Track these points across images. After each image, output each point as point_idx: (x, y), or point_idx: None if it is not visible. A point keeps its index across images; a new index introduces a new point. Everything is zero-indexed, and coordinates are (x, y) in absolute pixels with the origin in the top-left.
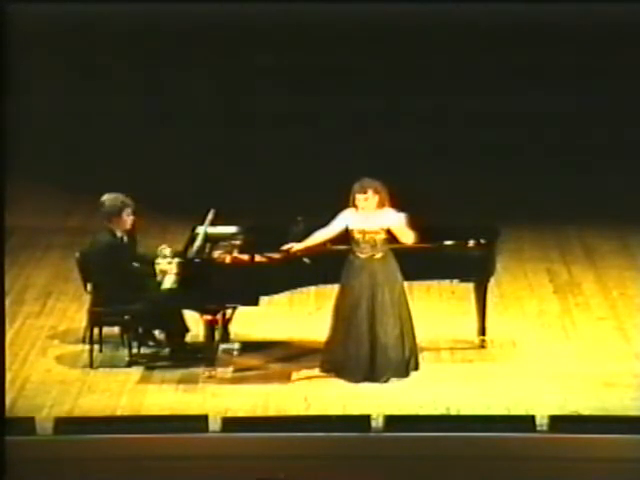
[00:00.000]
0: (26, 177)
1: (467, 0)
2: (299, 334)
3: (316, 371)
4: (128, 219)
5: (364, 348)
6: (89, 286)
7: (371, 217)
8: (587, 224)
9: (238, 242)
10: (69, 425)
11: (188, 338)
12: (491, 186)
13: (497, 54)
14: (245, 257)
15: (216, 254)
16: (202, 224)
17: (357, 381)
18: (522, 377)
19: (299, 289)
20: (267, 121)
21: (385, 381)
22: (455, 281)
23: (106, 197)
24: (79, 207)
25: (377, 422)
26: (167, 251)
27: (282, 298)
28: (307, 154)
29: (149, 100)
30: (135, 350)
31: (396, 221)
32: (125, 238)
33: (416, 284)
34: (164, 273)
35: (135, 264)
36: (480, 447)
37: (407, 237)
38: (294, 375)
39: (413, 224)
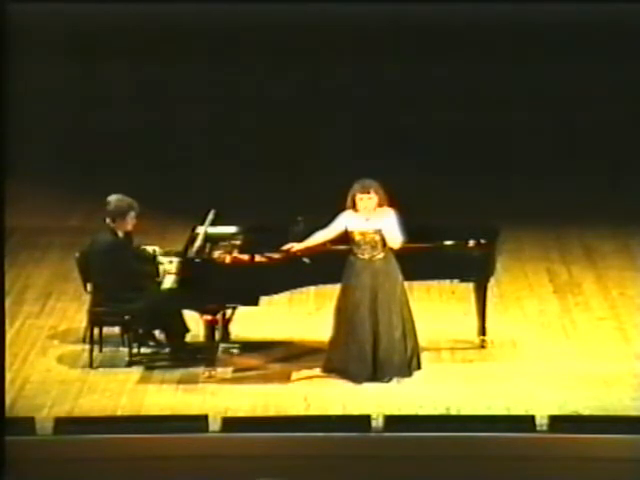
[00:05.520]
0: (26, 177)
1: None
2: (299, 334)
3: (316, 371)
4: (131, 222)
5: (367, 348)
6: (89, 286)
7: (370, 218)
8: (587, 224)
9: (238, 242)
10: (69, 425)
11: (188, 338)
12: (491, 186)
13: (497, 53)
14: (245, 257)
15: (216, 254)
16: (202, 224)
17: (360, 382)
18: (522, 377)
19: (299, 289)
20: (267, 121)
21: (388, 381)
22: (455, 281)
23: (113, 197)
24: (79, 207)
25: (377, 422)
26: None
27: (282, 298)
28: (307, 154)
29: (149, 100)
30: (135, 350)
31: (388, 224)
32: (125, 238)
33: (416, 284)
34: (167, 273)
35: (135, 264)
36: (480, 447)
37: (394, 242)
38: (294, 375)
39: (413, 224)
